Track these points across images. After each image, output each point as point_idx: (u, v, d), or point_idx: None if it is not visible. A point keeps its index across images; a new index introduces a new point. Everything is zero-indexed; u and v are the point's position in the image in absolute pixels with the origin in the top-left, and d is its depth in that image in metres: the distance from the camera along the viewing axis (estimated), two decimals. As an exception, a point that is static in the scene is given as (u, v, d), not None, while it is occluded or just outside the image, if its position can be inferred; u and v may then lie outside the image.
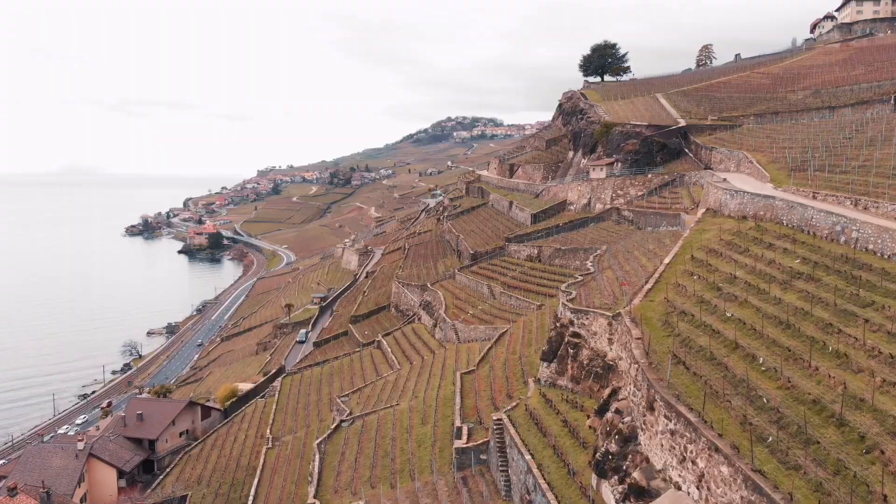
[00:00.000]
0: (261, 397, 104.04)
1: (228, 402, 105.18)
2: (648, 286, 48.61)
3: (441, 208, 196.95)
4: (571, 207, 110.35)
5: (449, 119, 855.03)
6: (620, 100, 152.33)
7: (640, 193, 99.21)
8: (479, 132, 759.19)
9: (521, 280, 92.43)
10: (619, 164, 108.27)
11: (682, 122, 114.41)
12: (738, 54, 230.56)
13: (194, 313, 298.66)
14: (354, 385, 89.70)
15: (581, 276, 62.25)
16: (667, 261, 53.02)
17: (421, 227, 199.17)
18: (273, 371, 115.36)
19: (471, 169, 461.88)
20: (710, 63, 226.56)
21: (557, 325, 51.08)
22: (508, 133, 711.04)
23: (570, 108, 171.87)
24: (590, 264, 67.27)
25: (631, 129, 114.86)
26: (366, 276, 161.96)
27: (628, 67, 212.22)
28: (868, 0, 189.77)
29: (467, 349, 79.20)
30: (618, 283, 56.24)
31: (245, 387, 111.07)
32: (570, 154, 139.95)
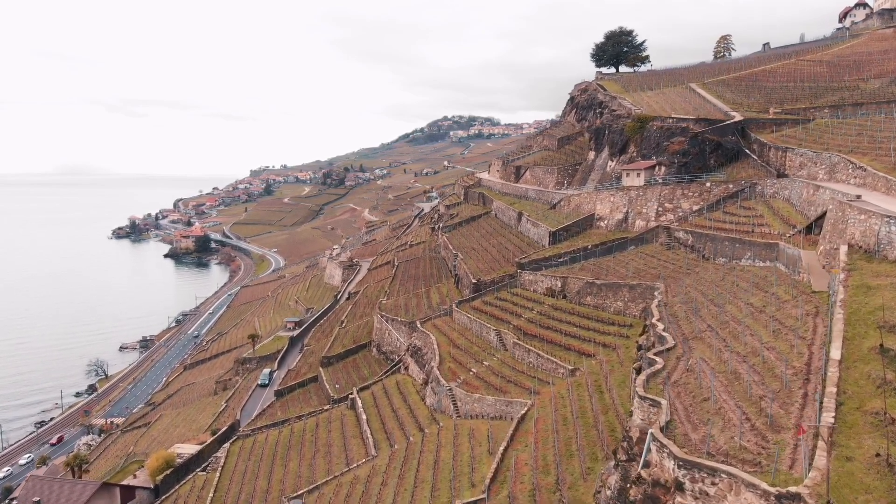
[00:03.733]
0: (201, 470, 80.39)
1: (161, 476, 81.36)
2: (829, 418, 24.99)
3: (436, 215, 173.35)
4: (601, 224, 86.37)
5: (445, 118, 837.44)
6: (648, 91, 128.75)
7: (695, 208, 75.51)
8: (476, 131, 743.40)
9: (541, 325, 68.67)
10: (663, 169, 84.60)
11: (738, 116, 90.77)
12: (767, 43, 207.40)
13: (172, 325, 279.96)
14: (315, 468, 66.01)
15: (657, 353, 38.35)
16: (835, 353, 29.37)
17: (413, 236, 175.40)
18: (224, 429, 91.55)
19: (469, 170, 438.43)
20: (729, 55, 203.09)
21: (645, 480, 27.31)
22: (506, 132, 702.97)
23: (585, 102, 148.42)
24: (661, 328, 43.41)
25: (674, 125, 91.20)
26: (347, 298, 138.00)
27: (647, 57, 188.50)
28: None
29: (470, 432, 55.55)
30: (731, 375, 32.52)
31: (187, 451, 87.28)
32: (591, 155, 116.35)
